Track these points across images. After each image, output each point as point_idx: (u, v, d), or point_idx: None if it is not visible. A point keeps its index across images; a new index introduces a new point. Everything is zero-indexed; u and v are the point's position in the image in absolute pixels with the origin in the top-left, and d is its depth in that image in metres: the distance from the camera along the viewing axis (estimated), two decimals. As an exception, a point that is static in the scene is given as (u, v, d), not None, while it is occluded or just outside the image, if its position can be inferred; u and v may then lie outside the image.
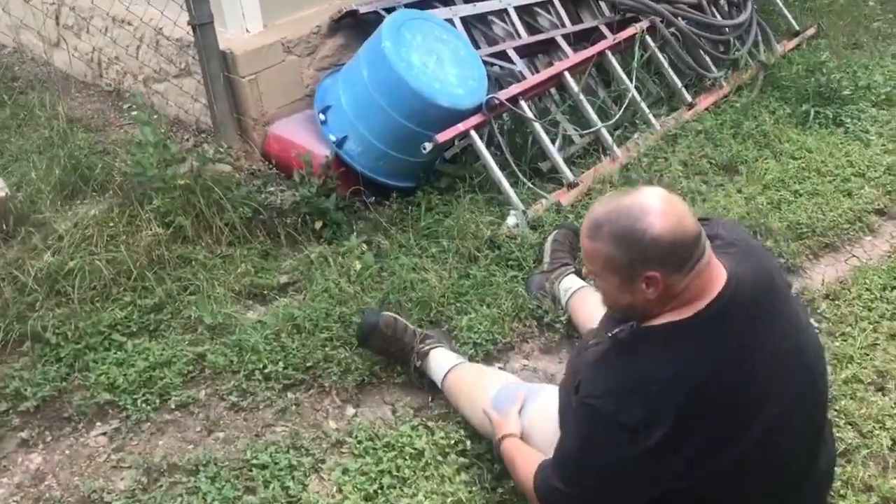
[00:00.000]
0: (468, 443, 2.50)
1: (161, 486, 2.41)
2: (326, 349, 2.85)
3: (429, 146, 3.34)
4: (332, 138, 3.53)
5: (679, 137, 3.98)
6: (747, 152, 3.90)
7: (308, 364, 2.80)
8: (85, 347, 2.82)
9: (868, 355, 2.79)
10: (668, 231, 1.71)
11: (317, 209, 3.42)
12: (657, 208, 1.73)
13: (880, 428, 2.52)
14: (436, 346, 2.71)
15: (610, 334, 1.90)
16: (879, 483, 2.34)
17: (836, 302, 3.05)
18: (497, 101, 3.48)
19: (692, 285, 1.77)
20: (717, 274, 1.80)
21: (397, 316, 2.78)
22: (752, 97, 4.32)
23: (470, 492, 2.36)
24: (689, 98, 4.25)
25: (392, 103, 3.37)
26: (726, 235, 1.98)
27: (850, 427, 2.53)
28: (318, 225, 3.44)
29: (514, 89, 3.58)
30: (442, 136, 3.34)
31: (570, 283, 2.97)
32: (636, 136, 3.95)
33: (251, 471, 2.44)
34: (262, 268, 3.27)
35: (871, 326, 2.91)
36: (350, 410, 2.70)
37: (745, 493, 1.85)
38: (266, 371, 2.77)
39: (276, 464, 2.46)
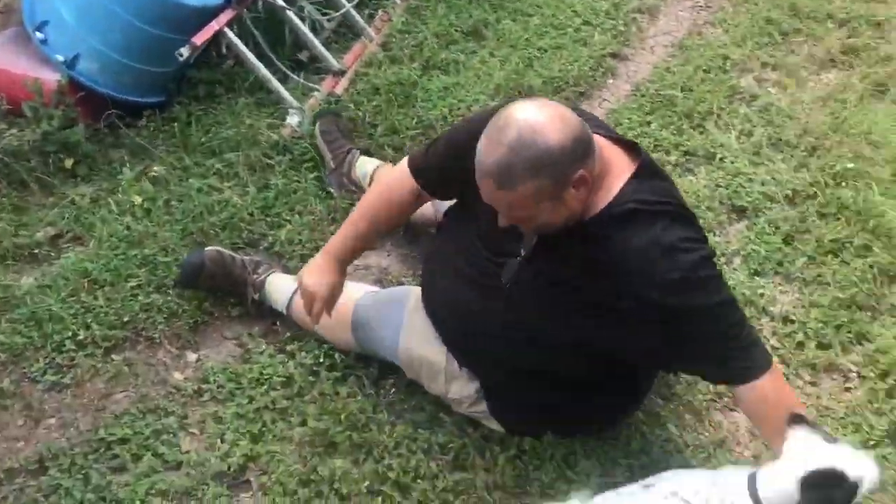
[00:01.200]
0: (335, 355, 2.42)
1: (5, 497, 2.06)
2: (140, 299, 2.56)
3: (186, 52, 2.99)
4: (60, 59, 3.02)
5: (421, 9, 3.94)
6: (486, 15, 3.98)
7: (125, 319, 2.51)
8: None
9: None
10: (565, 129, 1.69)
11: (63, 145, 2.97)
12: (541, 119, 1.68)
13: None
14: (270, 272, 2.54)
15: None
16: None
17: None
18: (246, -8, 3.19)
19: (600, 158, 1.78)
20: (602, 139, 1.86)
21: (220, 249, 2.55)
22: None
23: (357, 401, 2.30)
24: (417, -33, 4.19)
25: (133, 9, 2.95)
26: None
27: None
28: (70, 163, 2.99)
29: (260, -23, 3.29)
30: (199, 38, 3.01)
31: (364, 167, 2.89)
32: (379, 13, 3.85)
33: (112, 448, 2.18)
34: (20, 223, 2.81)
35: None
36: (191, 356, 2.49)
37: None
38: (78, 338, 2.45)
39: (137, 434, 2.22)
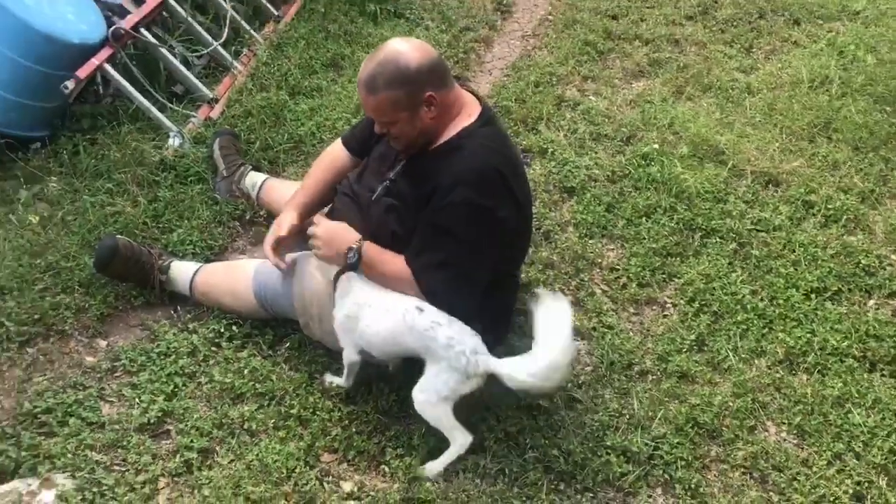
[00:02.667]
0: (234, 328, 2.76)
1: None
2: (48, 299, 2.81)
3: (71, 85, 3.29)
4: (-51, 98, 3.27)
5: (283, 46, 4.38)
6: (342, 49, 4.47)
7: (36, 317, 2.75)
8: None
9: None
10: (423, 58, 2.25)
11: (-44, 176, 3.19)
12: (406, 47, 2.25)
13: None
14: (174, 259, 2.87)
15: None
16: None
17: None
18: (123, 31, 3.53)
19: (457, 101, 2.31)
20: (466, 92, 2.40)
21: (129, 239, 2.86)
22: (322, 2, 4.84)
23: (257, 360, 2.65)
24: (274, 11, 4.64)
25: (19, 50, 3.23)
26: None
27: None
28: (-37, 192, 3.21)
29: (134, 18, 3.64)
30: (82, 72, 3.32)
31: (253, 179, 3.29)
32: (245, 50, 4.26)
33: (38, 418, 2.43)
34: (-80, 249, 3.00)
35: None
36: (101, 343, 2.76)
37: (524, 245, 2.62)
38: (-7, 335, 2.67)
39: (60, 404, 2.47)
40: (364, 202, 2.47)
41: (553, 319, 2.23)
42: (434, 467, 2.33)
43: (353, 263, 2.33)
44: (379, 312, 2.33)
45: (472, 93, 2.49)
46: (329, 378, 2.59)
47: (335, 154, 2.73)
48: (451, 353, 2.24)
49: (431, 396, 2.29)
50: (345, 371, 2.52)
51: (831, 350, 2.82)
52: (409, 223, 2.36)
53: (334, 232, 2.39)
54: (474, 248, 2.30)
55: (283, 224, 2.59)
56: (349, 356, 2.47)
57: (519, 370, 2.23)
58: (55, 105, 3.47)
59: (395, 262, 2.34)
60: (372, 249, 2.35)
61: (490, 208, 2.28)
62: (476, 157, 2.30)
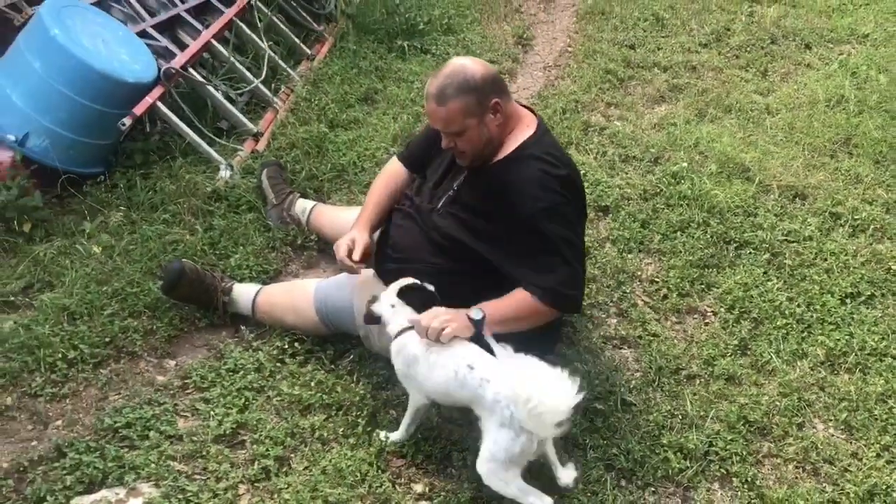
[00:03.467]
0: (296, 345, 2.88)
1: (31, 478, 2.38)
2: (117, 323, 2.94)
3: (128, 121, 3.47)
4: (12, 138, 3.43)
5: (319, 82, 4.57)
6: (375, 84, 4.66)
7: (107, 340, 2.88)
8: None
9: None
10: (486, 70, 2.45)
11: (21, 211, 3.34)
12: (469, 62, 2.46)
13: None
14: (234, 282, 3.01)
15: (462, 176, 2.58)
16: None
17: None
18: (174, 71, 3.71)
19: (515, 113, 2.48)
20: (521, 107, 2.59)
21: (194, 263, 3.00)
22: (352, 41, 5.05)
23: (322, 373, 2.77)
24: (308, 51, 4.84)
25: (78, 89, 3.41)
26: None
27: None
28: (28, 227, 3.36)
29: (182, 58, 3.83)
30: (138, 109, 3.50)
31: (303, 206, 3.44)
32: (283, 87, 4.44)
33: (119, 432, 2.55)
34: (-9, 280, 3.14)
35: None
36: (170, 363, 2.88)
37: None
38: (69, 358, 2.80)
39: (138, 419, 2.59)
40: (425, 213, 2.62)
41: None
42: None
43: (479, 321, 2.33)
44: (430, 368, 2.36)
45: (526, 107, 2.65)
46: (384, 434, 2.54)
47: (393, 170, 2.89)
48: (497, 408, 2.20)
49: (492, 465, 2.23)
50: (406, 420, 2.50)
51: (870, 350, 2.92)
52: (474, 233, 2.50)
53: (445, 310, 2.40)
54: (572, 243, 2.46)
55: (359, 242, 2.68)
56: (416, 400, 2.46)
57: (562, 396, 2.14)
58: (110, 142, 3.64)
59: (514, 298, 2.42)
60: (488, 304, 2.40)
61: (573, 210, 2.48)
62: (549, 163, 2.46)
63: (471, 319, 2.35)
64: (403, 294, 2.46)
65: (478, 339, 2.35)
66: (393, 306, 2.46)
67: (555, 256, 2.43)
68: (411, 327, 2.40)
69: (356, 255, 2.65)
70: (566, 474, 2.34)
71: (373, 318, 2.50)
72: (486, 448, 2.24)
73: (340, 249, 2.65)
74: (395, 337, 2.44)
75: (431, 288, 2.48)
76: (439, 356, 2.34)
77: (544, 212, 2.41)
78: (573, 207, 2.52)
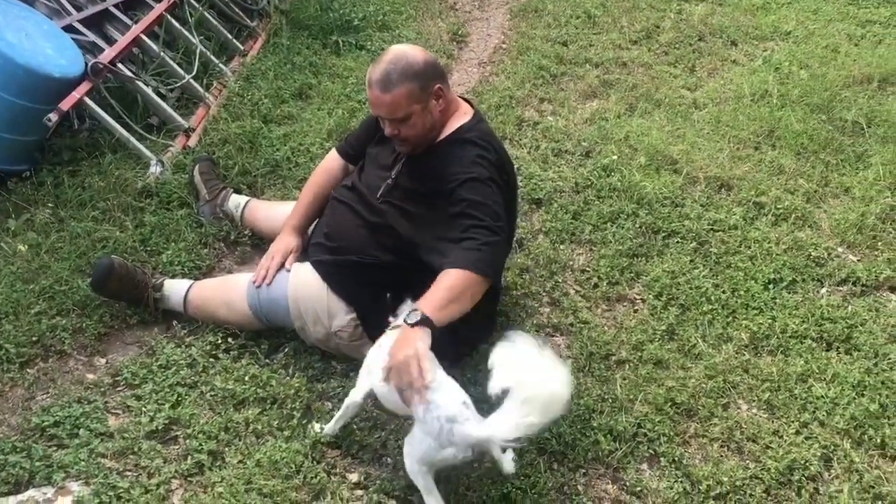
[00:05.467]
0: (230, 340, 2.86)
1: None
2: (45, 321, 2.88)
3: (54, 117, 3.40)
4: (-68, 135, 3.34)
5: (252, 77, 4.54)
6: (309, 79, 4.64)
7: (34, 339, 2.83)
8: None
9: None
10: (426, 56, 2.51)
11: (-61, 210, 3.25)
12: (409, 48, 2.50)
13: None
14: (165, 278, 2.97)
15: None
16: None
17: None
18: (101, 66, 3.64)
19: (454, 100, 2.50)
20: (455, 95, 2.64)
21: (124, 259, 2.95)
22: (286, 37, 5.02)
23: (256, 367, 2.76)
24: (240, 46, 4.80)
25: (1, 84, 3.32)
26: None
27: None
28: (-54, 225, 3.27)
29: (111, 53, 3.76)
30: (65, 104, 3.43)
31: (236, 201, 3.41)
32: (215, 83, 4.40)
33: (47, 431, 2.50)
34: (-89, 281, 3.05)
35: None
36: (100, 361, 2.84)
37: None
38: (-7, 357, 2.73)
39: (67, 418, 2.54)
40: (364, 202, 2.64)
41: (513, 358, 2.09)
42: None
43: (419, 320, 2.23)
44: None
45: (464, 98, 2.71)
46: (318, 426, 2.52)
47: (328, 167, 2.94)
48: (427, 416, 2.14)
49: (409, 455, 2.23)
50: (337, 415, 2.48)
51: (791, 333, 3.03)
52: (409, 220, 2.53)
53: (397, 345, 2.26)
54: (495, 213, 2.45)
55: (290, 248, 2.80)
56: (354, 397, 2.41)
57: (502, 427, 2.04)
58: (36, 139, 3.56)
59: (442, 280, 2.32)
60: (421, 300, 2.31)
61: (498, 190, 2.50)
62: (483, 147, 2.53)
63: (414, 325, 2.23)
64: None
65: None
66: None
67: (478, 227, 2.40)
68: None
69: (289, 263, 2.76)
70: (507, 464, 2.37)
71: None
72: (411, 437, 2.23)
73: (269, 259, 2.81)
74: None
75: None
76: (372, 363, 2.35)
77: (468, 181, 2.46)
78: (500, 188, 2.54)
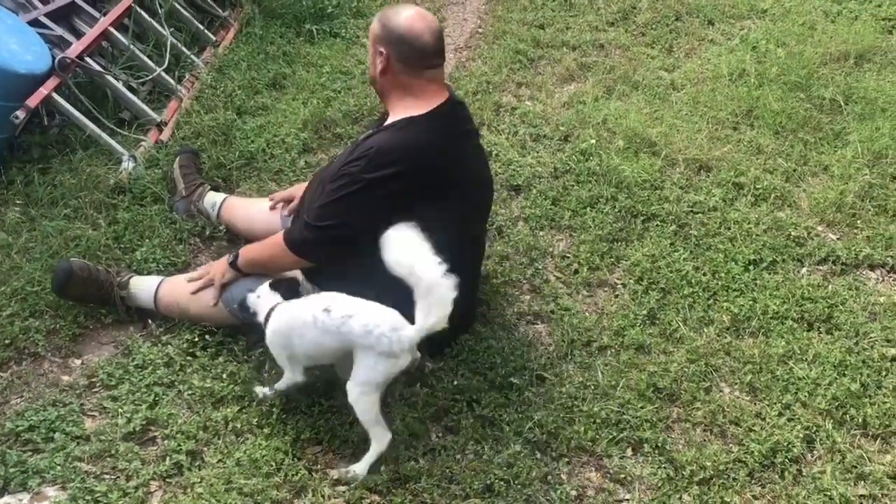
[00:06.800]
0: (207, 337, 2.82)
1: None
2: (17, 324, 2.84)
3: (21, 114, 3.33)
4: None
5: (224, 69, 4.47)
6: (283, 69, 4.57)
7: (7, 341, 2.79)
8: None
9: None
10: (409, 27, 2.48)
11: None
12: (414, 12, 2.51)
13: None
14: (133, 275, 2.92)
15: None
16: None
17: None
18: (69, 60, 3.57)
19: (425, 89, 2.45)
20: (443, 91, 2.55)
21: (85, 261, 2.90)
22: (259, 26, 4.95)
23: (234, 365, 2.73)
24: (212, 37, 4.73)
25: (-35, 81, 3.26)
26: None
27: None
28: (-87, 228, 3.21)
29: (79, 47, 3.69)
30: (32, 101, 3.37)
31: (213, 199, 3.36)
32: (187, 75, 4.33)
33: (21, 436, 2.46)
34: None
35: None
36: (75, 362, 2.79)
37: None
38: (-36, 362, 2.68)
39: (42, 421, 2.50)
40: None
41: (404, 252, 2.25)
42: (360, 469, 2.36)
43: (233, 262, 2.69)
44: (285, 314, 2.45)
45: (453, 97, 2.64)
46: (260, 390, 2.58)
47: None
48: (372, 339, 2.27)
49: (366, 388, 2.31)
50: (277, 388, 2.54)
51: (772, 314, 3.03)
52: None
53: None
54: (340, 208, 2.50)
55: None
56: (289, 379, 2.50)
57: (423, 328, 2.26)
58: (3, 137, 3.50)
59: (271, 237, 2.65)
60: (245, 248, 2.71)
61: (369, 182, 2.44)
62: (401, 147, 2.48)
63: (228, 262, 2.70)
64: (278, 286, 2.55)
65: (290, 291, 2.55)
66: (259, 297, 2.53)
67: (321, 209, 2.51)
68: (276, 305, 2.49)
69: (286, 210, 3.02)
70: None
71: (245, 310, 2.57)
72: (362, 372, 2.32)
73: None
74: (266, 323, 2.47)
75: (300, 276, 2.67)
76: (295, 318, 2.40)
77: (339, 173, 2.50)
78: (367, 192, 2.46)
